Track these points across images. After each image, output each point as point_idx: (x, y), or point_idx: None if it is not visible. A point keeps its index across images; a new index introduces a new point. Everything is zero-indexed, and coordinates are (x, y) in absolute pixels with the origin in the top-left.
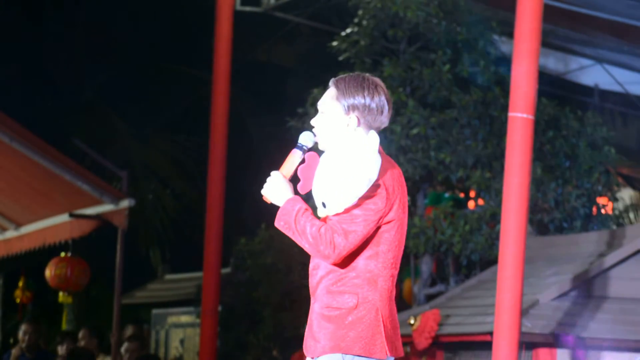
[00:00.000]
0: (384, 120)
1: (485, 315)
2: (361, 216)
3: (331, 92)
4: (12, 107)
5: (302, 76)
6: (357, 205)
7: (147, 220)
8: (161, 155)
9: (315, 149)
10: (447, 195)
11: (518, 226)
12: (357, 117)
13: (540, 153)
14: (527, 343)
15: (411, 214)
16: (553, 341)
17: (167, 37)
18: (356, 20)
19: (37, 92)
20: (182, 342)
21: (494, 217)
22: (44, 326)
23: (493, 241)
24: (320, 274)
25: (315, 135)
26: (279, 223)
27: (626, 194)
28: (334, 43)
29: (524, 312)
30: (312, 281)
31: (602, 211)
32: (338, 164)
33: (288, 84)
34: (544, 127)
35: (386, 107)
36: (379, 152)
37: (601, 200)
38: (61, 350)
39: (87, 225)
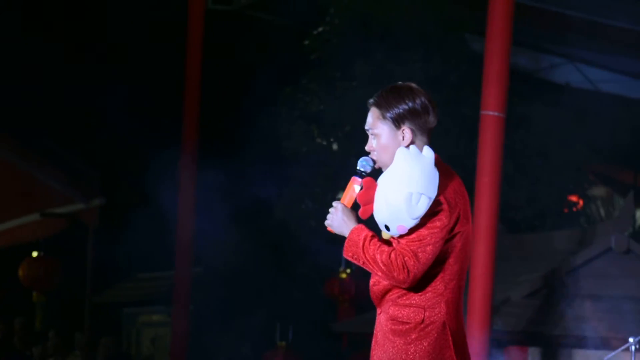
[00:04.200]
0: (432, 119)
1: None
2: (428, 236)
3: (374, 112)
4: None
5: (274, 75)
6: (422, 224)
7: (118, 218)
8: (133, 154)
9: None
10: None
11: (489, 224)
12: (408, 127)
13: (512, 151)
14: (499, 341)
15: None
16: (524, 339)
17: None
18: (328, 18)
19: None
20: (153, 341)
21: None
22: (18, 325)
23: None
24: (384, 287)
25: (373, 161)
26: (347, 254)
27: (597, 192)
28: (306, 42)
29: (495, 310)
30: (375, 294)
31: (574, 209)
32: (395, 185)
33: (259, 83)
34: (516, 126)
35: (429, 106)
36: (436, 163)
37: (572, 198)
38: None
39: (58, 224)
